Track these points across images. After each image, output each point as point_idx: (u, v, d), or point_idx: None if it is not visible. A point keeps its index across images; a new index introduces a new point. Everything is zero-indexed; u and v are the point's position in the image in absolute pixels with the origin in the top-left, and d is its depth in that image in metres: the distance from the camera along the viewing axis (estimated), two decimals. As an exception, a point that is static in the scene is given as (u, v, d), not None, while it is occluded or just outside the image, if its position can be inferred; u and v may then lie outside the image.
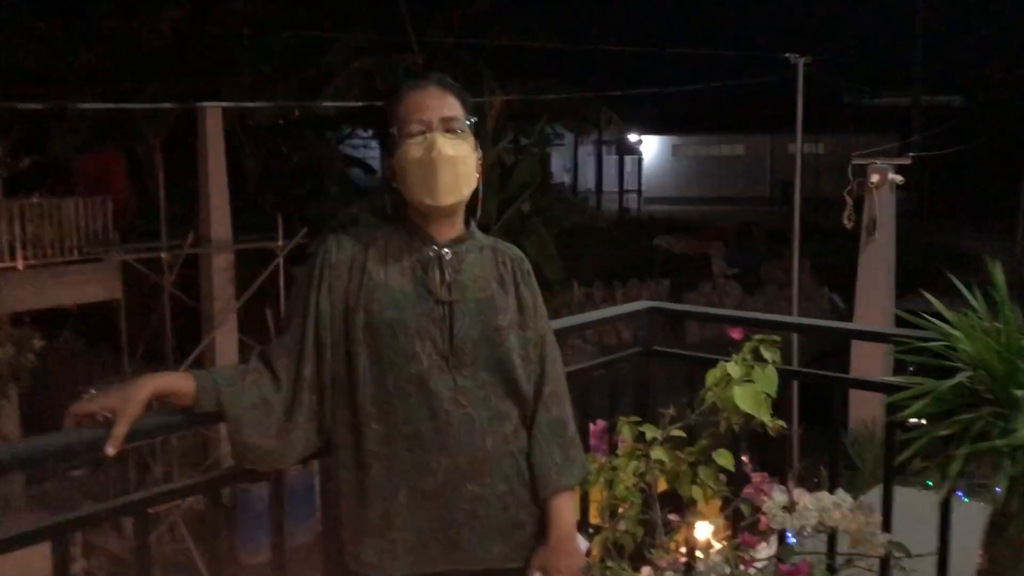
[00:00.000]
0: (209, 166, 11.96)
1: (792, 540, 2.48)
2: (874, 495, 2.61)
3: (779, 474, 2.53)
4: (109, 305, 11.94)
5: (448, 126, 1.79)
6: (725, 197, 40.75)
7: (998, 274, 2.03)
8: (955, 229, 29.65)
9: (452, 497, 1.76)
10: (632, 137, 40.31)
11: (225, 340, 12.10)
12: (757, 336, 2.27)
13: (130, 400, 1.63)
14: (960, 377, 1.98)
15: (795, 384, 8.01)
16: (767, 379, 2.20)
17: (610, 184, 42.22)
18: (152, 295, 12.53)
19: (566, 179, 42.50)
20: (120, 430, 1.60)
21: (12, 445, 1.74)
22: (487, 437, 1.78)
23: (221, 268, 12.14)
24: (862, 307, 8.51)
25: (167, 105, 13.05)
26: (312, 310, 1.77)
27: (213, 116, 12.00)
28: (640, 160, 43.54)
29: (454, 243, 1.84)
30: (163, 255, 11.73)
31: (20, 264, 10.74)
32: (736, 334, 2.30)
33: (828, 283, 21.42)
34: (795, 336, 10.39)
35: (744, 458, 2.45)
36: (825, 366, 2.79)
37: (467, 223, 1.88)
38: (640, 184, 42.95)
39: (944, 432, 1.98)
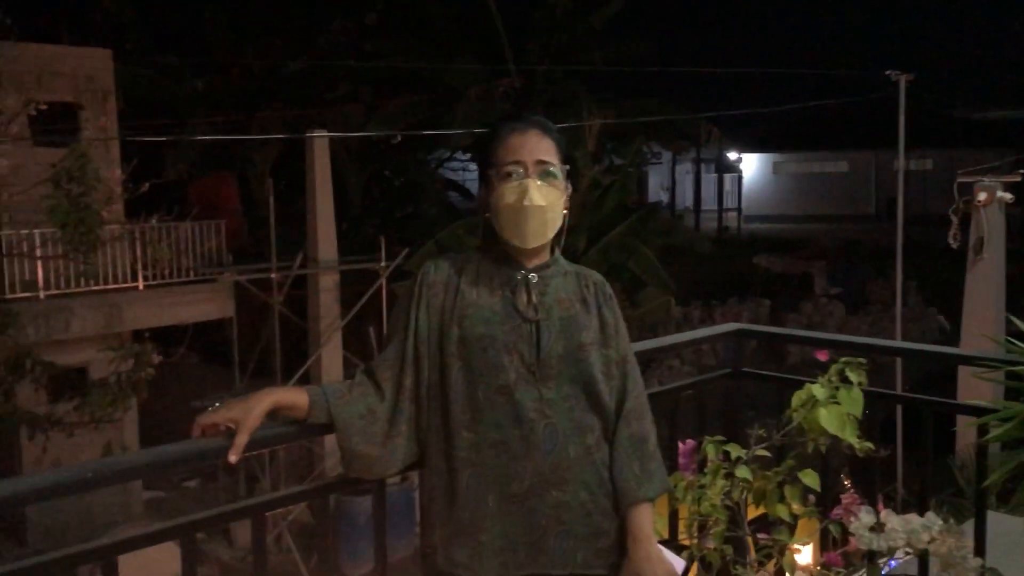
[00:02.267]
0: (316, 191, 12.40)
1: (893, 564, 2.49)
2: (994, 521, 2.58)
3: (884, 498, 2.53)
4: (222, 323, 12.47)
5: (543, 170, 1.91)
6: (828, 215, 39.78)
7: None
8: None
9: (537, 503, 1.86)
10: (732, 155, 39.80)
11: (330, 357, 12.49)
12: (844, 358, 2.31)
13: (251, 412, 1.80)
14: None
15: (899, 408, 7.84)
16: (853, 401, 2.24)
17: (709, 202, 41.73)
18: (262, 314, 13.04)
19: (663, 197, 42.21)
20: (242, 439, 1.77)
21: (140, 453, 1.91)
22: (569, 446, 1.88)
23: (327, 288, 12.54)
24: (968, 328, 8.23)
25: (277, 136, 13.61)
26: (412, 325, 1.93)
27: (320, 143, 12.45)
28: (740, 178, 42.90)
29: (540, 268, 1.96)
30: (273, 275, 12.21)
31: (140, 284, 11.35)
32: (822, 356, 2.34)
33: (936, 303, 20.69)
34: (898, 359, 10.11)
35: (845, 480, 2.48)
36: (932, 390, 2.76)
37: (552, 250, 2.00)
38: (740, 202, 42.30)
39: (1032, 456, 1.99)
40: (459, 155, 19.94)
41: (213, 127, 14.93)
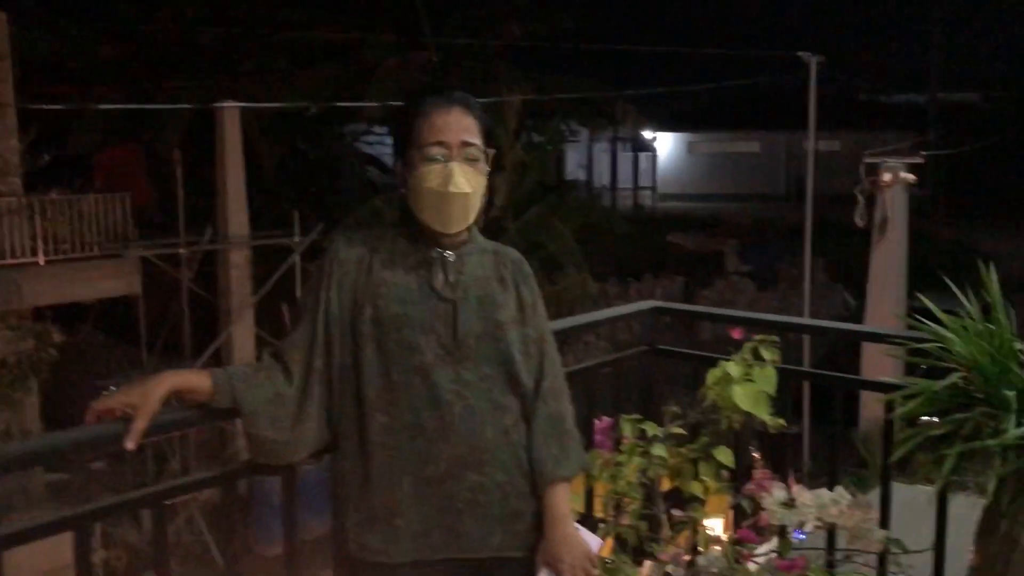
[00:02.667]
0: (227, 163, 12.07)
1: (801, 536, 2.54)
2: (898, 492, 2.66)
3: (791, 472, 2.59)
4: (128, 300, 12.08)
5: (468, 154, 1.85)
6: (740, 194, 40.62)
7: (991, 277, 2.09)
8: (973, 228, 29.48)
9: (454, 485, 1.83)
10: (647, 134, 40.25)
11: (242, 335, 12.23)
12: (757, 336, 2.34)
13: (149, 397, 1.71)
14: (953, 377, 2.04)
15: (806, 384, 8.07)
16: (766, 379, 2.27)
17: (626, 181, 42.17)
18: (170, 291, 12.66)
19: (581, 176, 42.48)
20: (139, 425, 1.69)
21: (33, 441, 1.82)
22: (487, 428, 1.85)
23: (238, 264, 12.25)
24: (873, 306, 8.53)
25: (186, 106, 13.18)
26: (322, 305, 1.85)
27: (231, 114, 12.11)
28: (655, 157, 43.45)
29: (457, 246, 1.91)
30: (181, 251, 11.86)
31: (41, 259, 10.89)
32: (737, 334, 2.37)
33: (843, 281, 21.37)
34: (806, 337, 10.42)
35: (755, 455, 2.52)
36: (837, 365, 2.83)
37: (468, 227, 1.95)
38: (655, 181, 42.87)
39: (937, 432, 2.04)
40: (377, 129, 19.69)
41: (120, 97, 14.37)
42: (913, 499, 2.66)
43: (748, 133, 42.33)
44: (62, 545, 1.79)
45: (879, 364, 7.39)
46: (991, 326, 2.04)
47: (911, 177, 8.62)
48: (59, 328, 9.82)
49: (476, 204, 1.88)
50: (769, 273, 23.57)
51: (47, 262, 10.93)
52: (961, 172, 32.98)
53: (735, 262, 24.34)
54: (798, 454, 8.70)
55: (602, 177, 44.11)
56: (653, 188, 42.14)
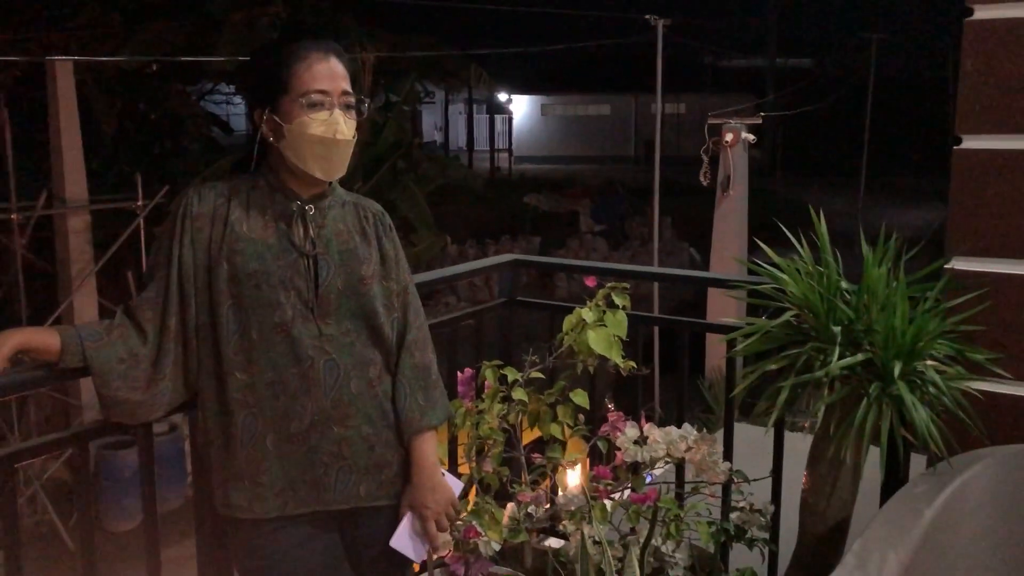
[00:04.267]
0: (60, 122, 11.36)
1: (649, 478, 2.69)
2: (740, 429, 2.85)
3: (643, 412, 2.74)
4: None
5: (347, 101, 1.84)
6: (592, 156, 41.46)
7: (821, 225, 2.27)
8: (806, 186, 31.19)
9: (318, 440, 1.84)
10: (502, 97, 40.40)
11: (84, 305, 11.62)
12: (609, 284, 2.45)
13: None
14: (787, 316, 2.20)
15: (656, 331, 8.42)
16: (618, 323, 2.38)
17: (482, 143, 42.28)
18: (2, 259, 11.89)
19: (438, 138, 42.28)
20: None
21: None
22: (351, 381, 1.87)
23: (77, 230, 11.60)
24: (716, 259, 8.95)
25: (13, 58, 12.30)
26: (175, 262, 1.81)
27: (63, 68, 11.38)
28: (510, 119, 43.72)
29: (317, 198, 1.90)
30: (13, 216, 11.13)
31: None
32: (591, 283, 2.47)
33: (690, 239, 22.23)
34: (655, 287, 10.84)
35: (608, 402, 2.63)
36: (684, 314, 2.99)
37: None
38: (511, 143, 43.18)
39: (773, 366, 2.20)
40: (223, 88, 18.94)
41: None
42: (755, 437, 2.86)
43: (599, 96, 43.12)
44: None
45: (723, 311, 7.79)
46: (821, 268, 2.21)
47: (751, 137, 9.04)
48: None
49: (351, 152, 1.87)
50: (620, 232, 24.26)
51: None
52: (797, 134, 34.75)
53: (588, 222, 24.92)
54: (649, 397, 9.09)
55: (459, 139, 44.05)
56: (509, 150, 42.44)
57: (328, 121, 1.81)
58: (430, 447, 2.00)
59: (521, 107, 44.49)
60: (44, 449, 1.93)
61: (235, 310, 1.81)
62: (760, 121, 9.45)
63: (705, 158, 9.38)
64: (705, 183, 9.51)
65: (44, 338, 1.73)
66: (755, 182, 11.15)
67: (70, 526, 10.50)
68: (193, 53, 13.77)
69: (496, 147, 42.05)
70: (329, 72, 1.83)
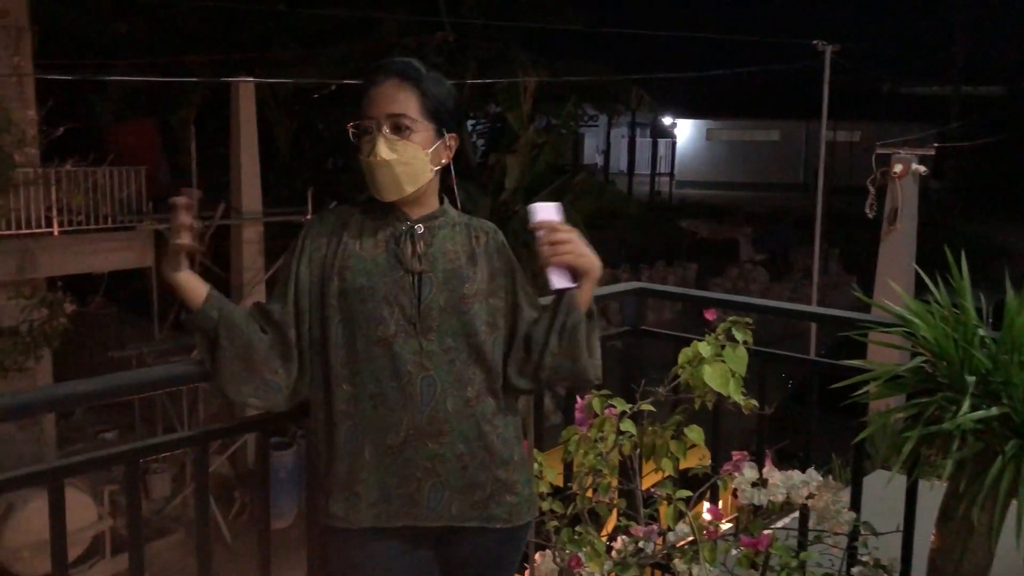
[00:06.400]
0: (241, 139, 12.14)
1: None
2: (877, 478, 2.66)
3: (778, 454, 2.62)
4: (141, 273, 12.20)
5: (395, 123, 1.87)
6: (758, 183, 40.44)
7: (960, 265, 2.11)
8: (990, 221, 29.23)
9: (413, 454, 1.88)
10: (666, 120, 40.07)
11: (252, 310, 12.32)
12: (731, 317, 2.37)
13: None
14: (917, 361, 2.06)
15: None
16: (737, 359, 2.30)
17: (643, 167, 42.03)
18: (182, 265, 12.72)
19: (598, 161, 42.34)
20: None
21: (92, 380, 1.91)
22: (448, 399, 1.89)
23: (251, 239, 12.35)
24: (878, 295, 8.49)
25: (201, 79, 13.24)
26: (293, 278, 1.92)
27: (246, 90, 12.16)
28: (673, 143, 43.26)
29: (427, 219, 1.95)
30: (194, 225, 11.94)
31: (55, 230, 11.01)
32: (711, 316, 2.40)
33: (857, 272, 21.27)
34: (813, 325, 10.39)
35: (767, 455, 2.52)
36: (844, 355, 2.82)
37: (441, 200, 1.99)
38: (673, 167, 42.70)
39: (901, 415, 2.07)
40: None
41: (136, 70, 14.45)
42: (900, 486, 2.69)
43: (768, 121, 42.07)
44: (73, 512, 1.85)
45: (885, 355, 7.38)
46: (957, 312, 2.07)
47: (922, 169, 8.56)
48: (72, 298, 9.90)
49: (408, 173, 1.88)
50: (783, 262, 23.50)
51: (61, 233, 11.05)
52: (982, 166, 32.64)
53: (749, 250, 24.28)
54: (778, 436, 8.72)
55: (620, 163, 43.98)
56: (671, 174, 41.97)
57: (367, 145, 1.87)
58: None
59: (685, 131, 43.97)
60: (168, 447, 2.05)
61: (343, 324, 1.88)
62: (933, 152, 8.94)
63: (872, 189, 8.95)
64: (871, 215, 9.08)
65: (199, 283, 1.90)
66: (932, 215, 10.50)
67: (229, 519, 11.10)
68: (366, 75, 14.37)
69: (659, 171, 41.68)
70: (379, 96, 1.88)
